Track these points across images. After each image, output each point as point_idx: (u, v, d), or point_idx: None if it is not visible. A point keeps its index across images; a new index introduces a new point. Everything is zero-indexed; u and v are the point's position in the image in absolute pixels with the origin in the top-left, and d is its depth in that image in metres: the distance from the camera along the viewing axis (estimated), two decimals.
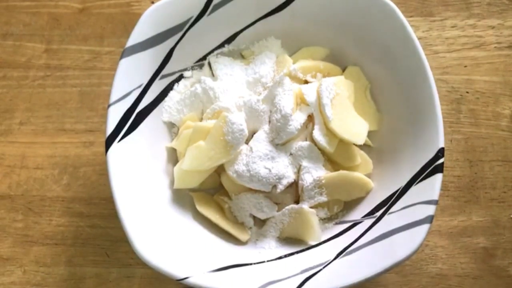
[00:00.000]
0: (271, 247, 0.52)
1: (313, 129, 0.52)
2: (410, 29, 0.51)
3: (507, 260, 0.55)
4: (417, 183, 0.48)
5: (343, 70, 0.57)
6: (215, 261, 0.48)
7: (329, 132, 0.52)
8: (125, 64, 0.51)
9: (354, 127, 0.52)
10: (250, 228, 0.53)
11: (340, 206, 0.53)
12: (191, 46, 0.56)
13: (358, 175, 0.52)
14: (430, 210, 0.46)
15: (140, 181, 0.50)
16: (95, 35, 0.66)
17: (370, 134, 0.54)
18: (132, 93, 0.52)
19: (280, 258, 0.50)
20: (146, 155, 0.52)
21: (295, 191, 0.53)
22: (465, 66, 0.63)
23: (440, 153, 0.47)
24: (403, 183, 0.49)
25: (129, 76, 0.52)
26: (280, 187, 0.51)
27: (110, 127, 0.50)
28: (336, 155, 0.52)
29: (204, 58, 0.58)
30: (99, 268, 0.55)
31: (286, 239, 0.52)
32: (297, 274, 0.47)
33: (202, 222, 0.52)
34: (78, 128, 0.61)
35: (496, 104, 0.62)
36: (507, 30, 0.65)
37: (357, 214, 0.52)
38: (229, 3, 0.55)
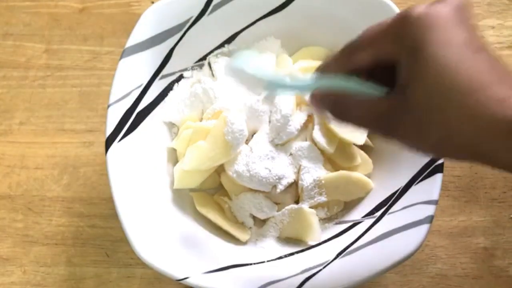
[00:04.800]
0: (271, 247, 0.52)
1: (313, 129, 0.52)
2: None
3: (507, 260, 0.55)
4: (417, 183, 0.48)
5: None
6: (215, 261, 0.48)
7: (329, 132, 0.52)
8: (125, 64, 0.51)
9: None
10: (250, 228, 0.53)
11: (340, 206, 0.53)
12: (191, 46, 0.56)
13: (358, 175, 0.52)
14: (430, 210, 0.46)
15: (140, 181, 0.50)
16: (95, 35, 0.66)
17: (370, 134, 0.54)
18: (132, 93, 0.52)
19: (280, 258, 0.50)
20: (146, 155, 0.52)
21: (295, 191, 0.53)
22: None
23: None
24: (403, 183, 0.49)
25: (129, 76, 0.52)
26: (280, 187, 0.51)
27: (110, 127, 0.50)
28: (336, 155, 0.52)
29: (204, 58, 0.58)
30: (99, 268, 0.55)
31: (286, 239, 0.52)
32: (297, 274, 0.47)
33: (202, 222, 0.52)
34: (78, 128, 0.61)
35: None
36: (507, 30, 0.65)
37: (357, 214, 0.52)
38: (229, 3, 0.55)
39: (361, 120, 0.36)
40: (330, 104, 0.37)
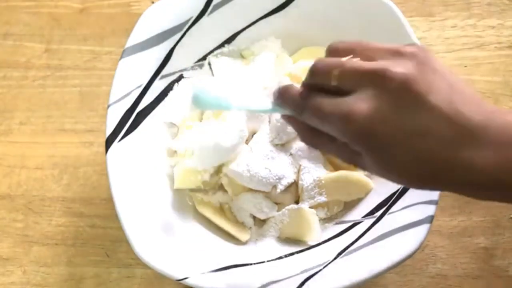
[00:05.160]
0: (271, 247, 0.51)
1: None
2: (410, 29, 0.51)
3: (507, 260, 0.55)
4: None
5: None
6: (215, 261, 0.48)
7: None
8: (125, 64, 0.51)
9: None
10: (250, 228, 0.53)
11: (340, 206, 0.53)
12: (191, 46, 0.56)
13: (358, 175, 0.52)
14: (430, 210, 0.46)
15: (140, 181, 0.50)
16: (95, 35, 0.66)
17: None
18: (132, 93, 0.52)
19: (280, 258, 0.50)
20: (146, 155, 0.52)
21: (295, 191, 0.53)
22: (465, 66, 0.63)
23: None
24: None
25: (129, 76, 0.52)
26: (280, 187, 0.51)
27: (110, 127, 0.50)
28: None
29: (204, 58, 0.58)
30: (99, 268, 0.55)
31: (286, 239, 0.52)
32: (297, 274, 0.47)
33: (202, 222, 0.52)
34: (78, 128, 0.61)
35: (496, 104, 0.62)
36: (507, 30, 0.65)
37: (357, 214, 0.52)
38: (229, 3, 0.55)
39: (328, 151, 0.39)
40: (300, 129, 0.39)
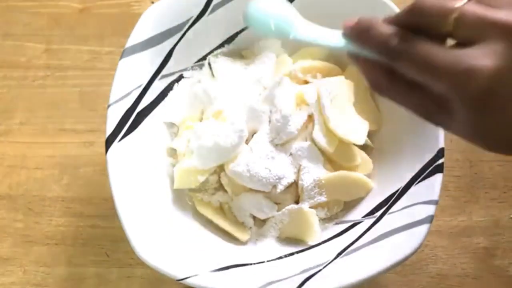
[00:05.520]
0: (271, 247, 0.52)
1: (313, 129, 0.52)
2: None
3: (507, 260, 0.55)
4: (417, 183, 0.48)
5: (344, 70, 0.57)
6: (215, 261, 0.48)
7: (329, 132, 0.52)
8: (125, 64, 0.51)
9: (354, 127, 0.52)
10: (250, 228, 0.53)
11: (340, 206, 0.53)
12: (191, 46, 0.56)
13: (358, 175, 0.52)
14: (430, 210, 0.46)
15: (140, 181, 0.50)
16: (95, 35, 0.66)
17: (370, 134, 0.54)
18: (132, 93, 0.52)
19: (280, 258, 0.50)
20: (146, 155, 0.52)
21: (295, 191, 0.53)
22: None
23: (440, 153, 0.47)
24: (403, 183, 0.49)
25: (129, 76, 0.52)
26: (280, 187, 0.51)
27: (110, 127, 0.50)
28: (336, 155, 0.52)
29: (204, 58, 0.57)
30: (99, 268, 0.55)
31: (286, 239, 0.52)
32: (297, 274, 0.47)
33: (202, 222, 0.53)
34: (78, 128, 0.61)
35: None
36: None
37: (357, 214, 0.52)
38: (229, 3, 0.55)
39: (404, 102, 0.34)
40: (373, 73, 0.34)
